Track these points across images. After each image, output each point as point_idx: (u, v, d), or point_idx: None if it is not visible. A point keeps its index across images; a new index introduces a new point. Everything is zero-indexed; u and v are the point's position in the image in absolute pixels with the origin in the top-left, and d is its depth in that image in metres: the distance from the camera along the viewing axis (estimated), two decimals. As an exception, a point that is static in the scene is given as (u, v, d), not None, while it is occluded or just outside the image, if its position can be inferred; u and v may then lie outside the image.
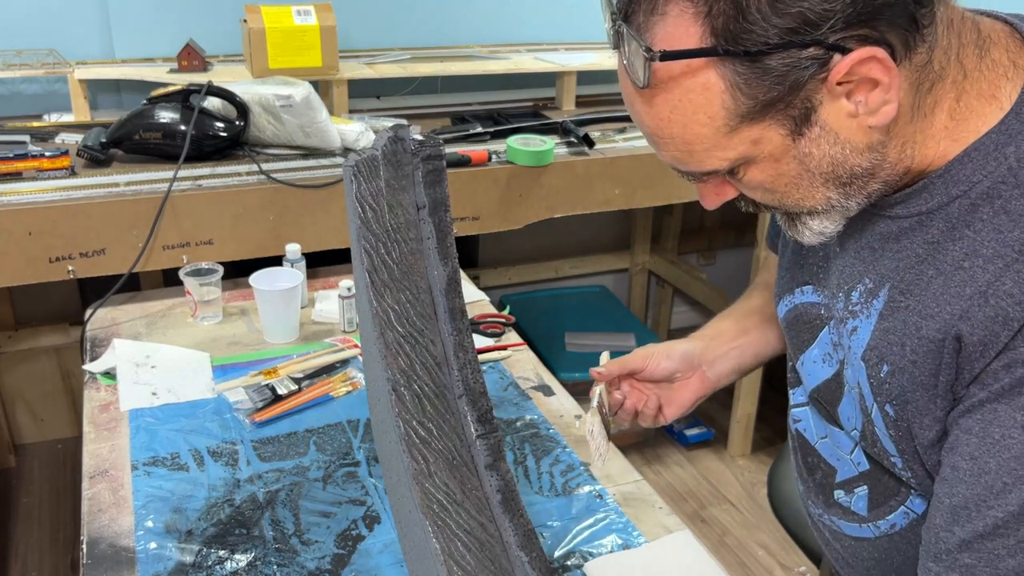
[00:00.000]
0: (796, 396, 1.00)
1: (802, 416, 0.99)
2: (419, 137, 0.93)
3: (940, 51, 0.71)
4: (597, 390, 1.08)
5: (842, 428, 0.91)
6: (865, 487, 0.91)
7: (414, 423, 0.83)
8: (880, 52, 0.66)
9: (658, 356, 1.09)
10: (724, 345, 1.12)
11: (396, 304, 0.87)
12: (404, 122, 2.15)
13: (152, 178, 1.78)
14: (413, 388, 0.85)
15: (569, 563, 1.08)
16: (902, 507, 0.88)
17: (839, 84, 0.67)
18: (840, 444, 0.93)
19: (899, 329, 0.78)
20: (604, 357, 1.10)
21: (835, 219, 0.78)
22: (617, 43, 0.73)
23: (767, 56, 0.66)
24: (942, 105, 0.73)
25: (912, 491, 0.87)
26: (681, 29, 0.67)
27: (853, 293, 0.83)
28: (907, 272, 0.77)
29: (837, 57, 0.66)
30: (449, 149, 1.99)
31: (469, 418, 0.86)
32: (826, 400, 0.92)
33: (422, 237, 0.92)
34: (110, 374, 1.44)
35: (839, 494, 0.94)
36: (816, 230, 0.79)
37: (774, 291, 1.01)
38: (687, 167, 0.76)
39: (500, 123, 2.21)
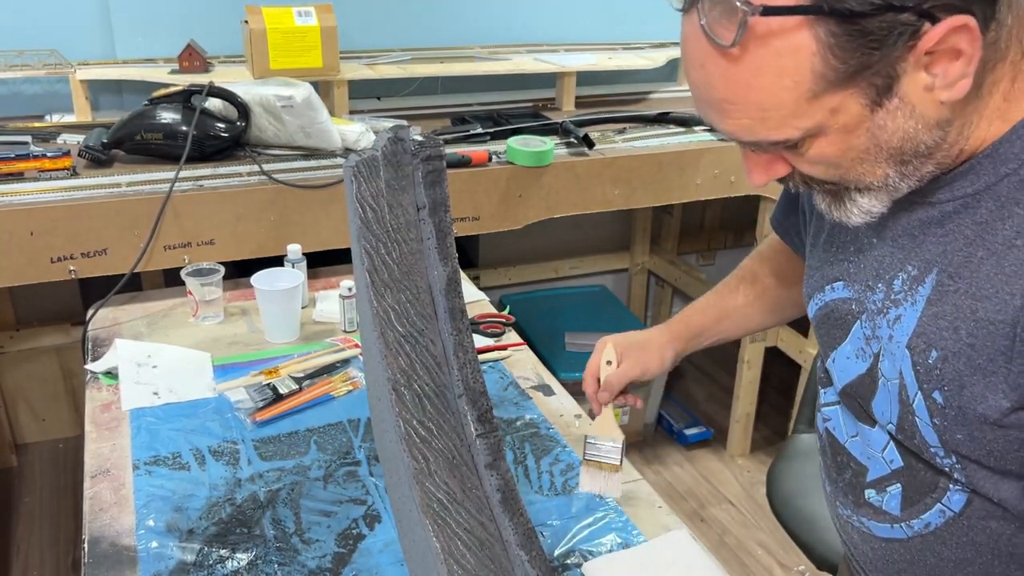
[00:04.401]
0: (827, 395, 0.99)
1: (832, 415, 0.98)
2: (419, 138, 0.93)
3: (1005, 30, 0.71)
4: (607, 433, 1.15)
5: (875, 424, 0.90)
6: (898, 485, 0.89)
7: (414, 422, 0.83)
8: (972, 21, 0.65)
9: (653, 367, 1.15)
10: (704, 341, 1.19)
11: (396, 304, 0.88)
12: (404, 123, 2.16)
13: (153, 178, 1.78)
14: (413, 388, 0.85)
15: (569, 562, 1.08)
16: (938, 505, 0.86)
17: (926, 54, 0.67)
18: (871, 442, 0.92)
19: (950, 313, 0.77)
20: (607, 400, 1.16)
21: (883, 199, 0.78)
22: (693, 2, 0.70)
23: (866, 18, 0.65)
24: (999, 86, 0.73)
25: (951, 485, 0.84)
26: None
27: (895, 282, 0.83)
28: (955, 255, 0.77)
29: (927, 25, 0.65)
30: (449, 150, 1.99)
31: (469, 417, 0.87)
32: (859, 396, 0.91)
33: (422, 237, 0.92)
34: (111, 374, 1.45)
35: (870, 493, 0.93)
36: (864, 208, 0.79)
37: (804, 291, 1.00)
38: (755, 136, 0.74)
39: (500, 124, 2.21)
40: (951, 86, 0.69)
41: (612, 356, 1.15)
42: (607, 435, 1.17)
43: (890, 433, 0.89)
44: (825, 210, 0.82)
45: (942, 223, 0.78)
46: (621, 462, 1.16)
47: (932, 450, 0.83)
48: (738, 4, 0.66)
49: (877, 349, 0.86)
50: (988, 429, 0.77)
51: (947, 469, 0.84)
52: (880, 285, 0.85)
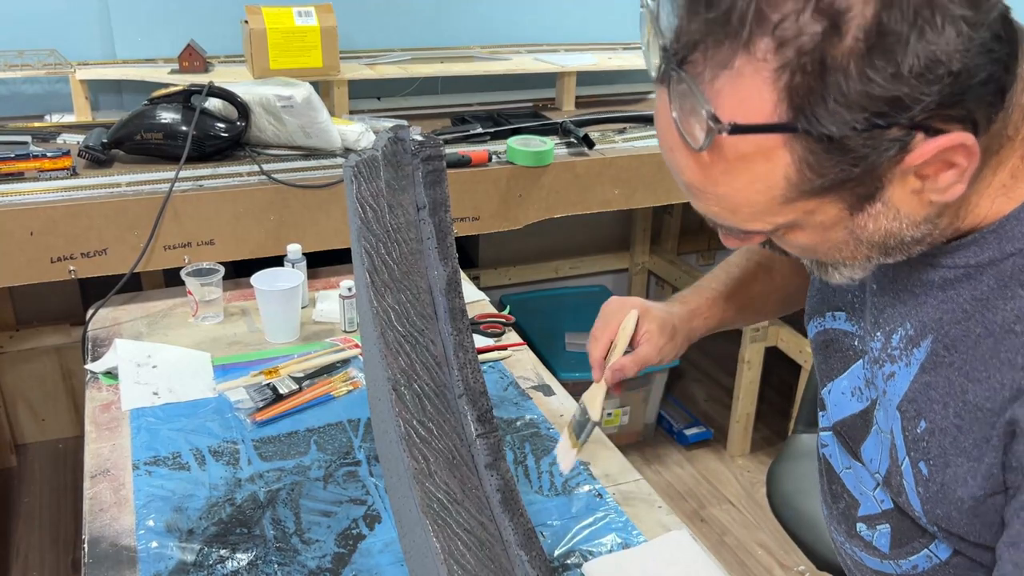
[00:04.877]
0: (823, 420, 0.96)
1: (828, 441, 0.95)
2: (419, 138, 0.93)
3: (1018, 110, 0.67)
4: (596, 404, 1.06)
5: (865, 466, 0.88)
6: (888, 525, 0.87)
7: (414, 422, 0.83)
8: (970, 139, 0.60)
9: (670, 356, 1.07)
10: (720, 326, 1.12)
11: (396, 304, 0.88)
12: (404, 123, 2.16)
13: (153, 178, 1.78)
14: (413, 388, 0.85)
15: (569, 562, 1.08)
16: (925, 550, 0.84)
17: (915, 166, 0.62)
18: (863, 479, 0.89)
19: (942, 386, 0.74)
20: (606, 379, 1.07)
21: (867, 269, 0.74)
22: (664, 82, 0.65)
23: (847, 138, 0.59)
24: (1005, 165, 0.69)
25: (937, 538, 0.82)
26: (754, 93, 0.59)
27: (894, 336, 0.79)
28: (953, 327, 0.73)
29: (919, 137, 0.60)
30: (449, 149, 1.99)
31: (469, 417, 0.86)
32: (849, 436, 0.89)
33: (422, 237, 0.92)
34: (111, 374, 1.45)
35: (861, 527, 0.91)
36: (845, 275, 0.75)
37: (806, 309, 0.96)
38: (726, 223, 0.70)
39: (500, 124, 2.21)
40: (942, 191, 0.64)
41: (632, 326, 1.07)
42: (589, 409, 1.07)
43: (878, 481, 0.87)
44: (808, 266, 0.79)
45: (943, 288, 0.74)
46: (580, 440, 1.05)
47: (916, 512, 0.81)
48: (704, 115, 0.61)
49: (874, 396, 0.84)
50: (967, 512, 0.75)
51: (931, 531, 0.82)
52: (879, 335, 0.82)
